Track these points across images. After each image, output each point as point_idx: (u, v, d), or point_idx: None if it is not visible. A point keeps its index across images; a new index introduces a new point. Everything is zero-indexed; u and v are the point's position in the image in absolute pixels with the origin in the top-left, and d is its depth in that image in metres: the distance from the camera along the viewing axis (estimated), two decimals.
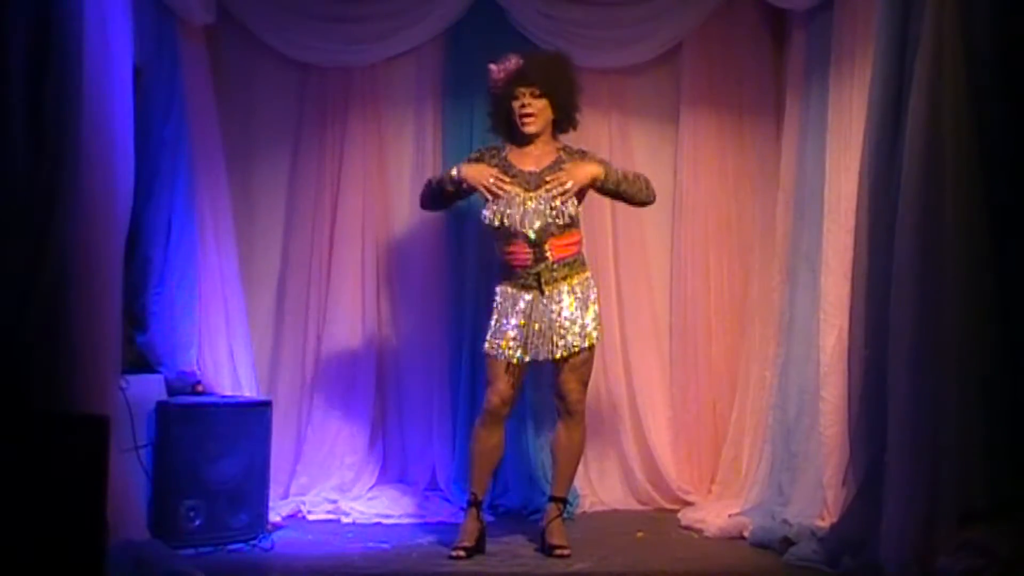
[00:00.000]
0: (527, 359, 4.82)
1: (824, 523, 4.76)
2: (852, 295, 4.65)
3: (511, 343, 4.82)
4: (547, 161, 4.95)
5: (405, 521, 5.54)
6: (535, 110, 4.90)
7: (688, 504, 5.80)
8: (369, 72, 6.04)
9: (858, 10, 4.99)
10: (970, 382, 3.92)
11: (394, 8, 5.94)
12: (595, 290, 4.97)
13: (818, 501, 4.94)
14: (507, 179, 4.85)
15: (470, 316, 5.84)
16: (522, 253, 4.86)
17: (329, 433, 5.87)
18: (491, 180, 4.82)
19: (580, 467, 5.27)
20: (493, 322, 4.90)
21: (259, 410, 5.19)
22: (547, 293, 4.83)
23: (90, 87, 4.12)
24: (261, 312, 5.94)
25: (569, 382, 4.89)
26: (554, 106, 4.94)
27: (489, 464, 4.93)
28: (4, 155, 3.82)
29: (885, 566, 4.00)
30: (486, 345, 4.88)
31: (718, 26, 6.08)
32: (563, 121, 5.01)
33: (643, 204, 5.07)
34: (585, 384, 4.96)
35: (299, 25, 5.88)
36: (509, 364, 4.82)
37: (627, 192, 4.96)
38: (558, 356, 4.82)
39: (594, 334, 4.89)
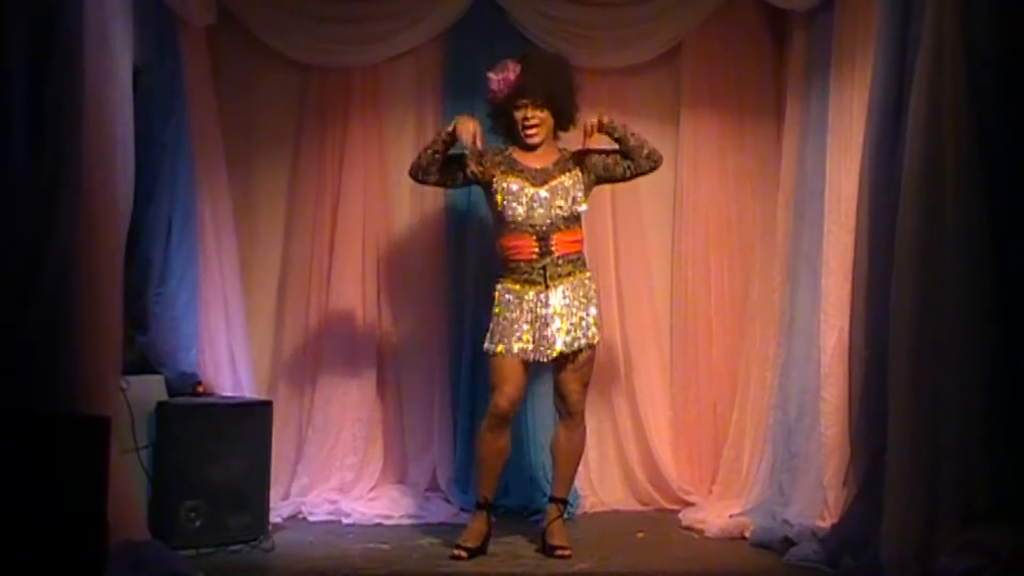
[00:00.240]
0: (537, 358, 4.83)
1: (825, 523, 4.76)
2: (853, 295, 4.65)
3: (523, 342, 4.82)
4: (552, 159, 4.98)
5: (405, 522, 5.55)
6: (538, 120, 4.94)
7: (689, 504, 5.80)
8: (370, 72, 6.04)
9: (858, 11, 5.00)
10: (970, 382, 3.92)
11: (394, 9, 5.95)
12: (596, 290, 4.99)
13: (819, 501, 4.94)
14: (479, 138, 4.83)
15: (470, 316, 5.84)
16: (527, 247, 4.87)
17: (330, 434, 5.87)
18: (467, 130, 4.79)
19: (580, 468, 5.27)
20: (495, 323, 4.90)
21: (259, 411, 5.20)
22: (552, 286, 4.84)
23: (90, 88, 4.12)
24: (262, 312, 5.95)
25: (570, 383, 4.90)
26: (555, 112, 4.97)
27: (497, 467, 4.93)
28: (4, 155, 3.82)
29: (886, 566, 3.99)
30: (492, 347, 4.86)
31: (718, 26, 6.08)
32: (563, 121, 5.03)
33: (651, 165, 4.99)
34: (586, 385, 4.96)
35: (299, 26, 5.88)
36: (516, 365, 4.82)
37: (635, 143, 4.93)
38: (561, 351, 4.83)
39: (596, 333, 4.90)
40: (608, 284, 5.92)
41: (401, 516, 5.59)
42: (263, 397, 5.58)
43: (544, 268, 4.86)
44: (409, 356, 6.01)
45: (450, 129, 4.87)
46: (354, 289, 5.96)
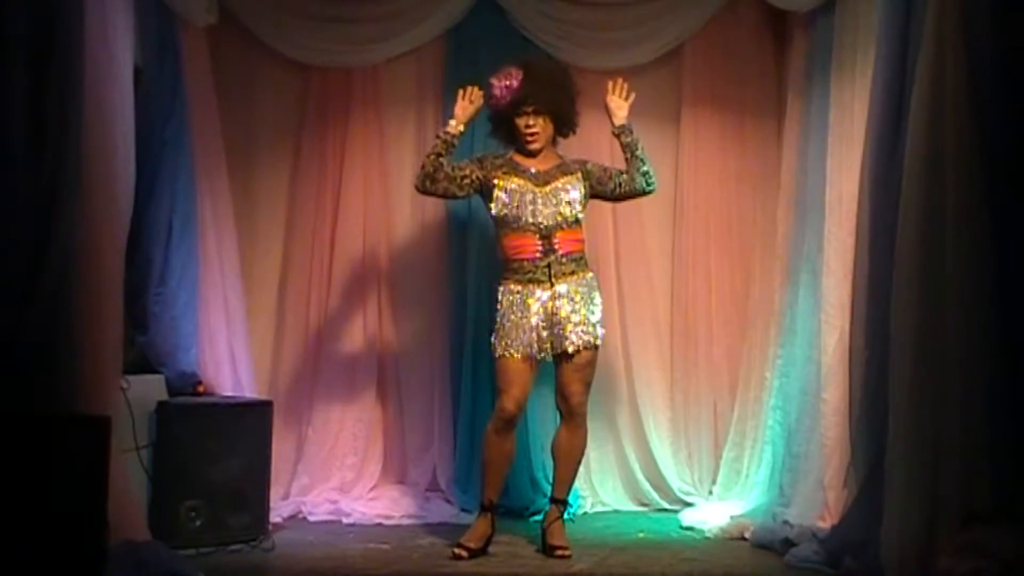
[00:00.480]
0: (541, 356, 4.84)
1: (825, 524, 4.76)
2: (853, 296, 4.65)
3: (529, 343, 4.82)
4: (553, 163, 5.02)
5: (406, 522, 5.55)
6: (539, 128, 4.97)
7: (689, 505, 5.80)
8: (370, 73, 6.04)
9: (859, 11, 5.00)
10: (971, 383, 3.92)
11: (395, 9, 5.95)
12: (599, 290, 5.00)
13: (819, 502, 4.94)
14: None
15: (471, 316, 5.84)
16: (531, 246, 4.88)
17: (330, 434, 5.87)
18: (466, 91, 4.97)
19: (581, 468, 5.26)
20: (499, 324, 4.90)
21: (260, 410, 5.20)
22: (556, 285, 4.84)
23: (91, 87, 4.12)
24: (262, 312, 5.95)
25: (572, 383, 4.90)
26: (556, 119, 5.00)
27: (502, 470, 4.94)
28: (4, 155, 3.81)
29: (886, 567, 4.00)
30: (498, 349, 4.87)
31: (720, 27, 6.08)
32: (563, 128, 5.07)
33: (644, 183, 5.05)
34: (588, 386, 4.97)
35: (300, 26, 5.88)
36: (522, 367, 4.83)
37: (641, 156, 5.02)
38: (566, 349, 4.84)
39: (599, 333, 4.90)
40: (608, 284, 5.92)
41: (401, 516, 5.59)
42: (263, 397, 5.58)
43: (549, 266, 4.87)
44: (410, 355, 6.01)
45: (450, 126, 4.92)
46: (355, 289, 5.96)
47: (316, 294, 5.96)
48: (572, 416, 4.94)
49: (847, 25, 5.12)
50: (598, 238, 5.92)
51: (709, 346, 6.08)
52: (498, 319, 4.92)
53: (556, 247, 4.89)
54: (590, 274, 4.99)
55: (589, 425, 5.08)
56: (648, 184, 5.06)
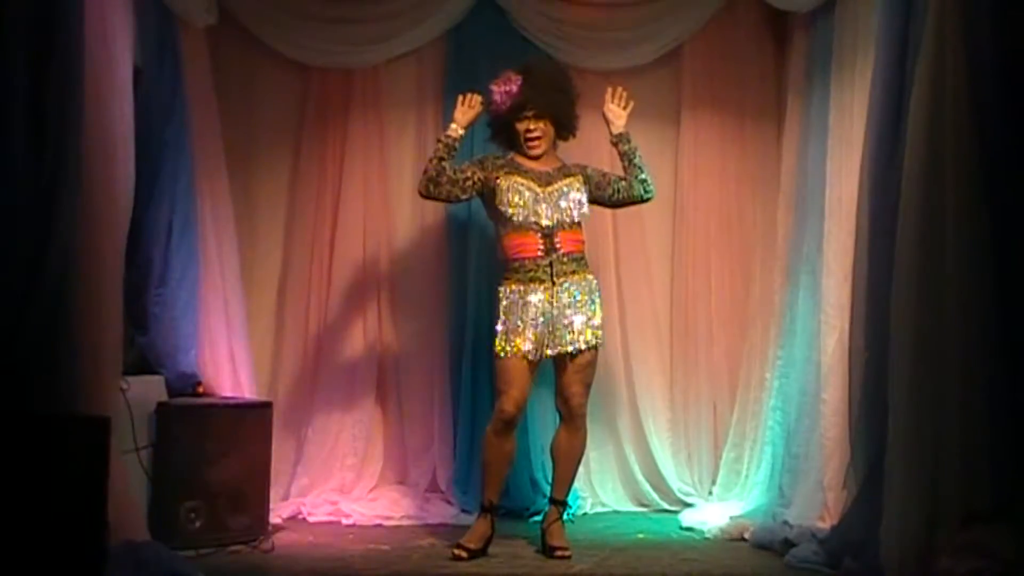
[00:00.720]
0: (542, 356, 4.84)
1: (825, 524, 4.77)
2: (853, 297, 4.65)
3: (527, 341, 4.82)
4: (554, 165, 5.04)
5: (405, 523, 5.55)
6: (540, 132, 5.00)
7: (688, 506, 5.80)
8: (370, 73, 6.05)
9: (859, 12, 5.00)
10: (971, 383, 3.92)
11: (395, 9, 5.95)
12: (600, 292, 5.01)
13: (819, 503, 4.94)
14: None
15: (471, 317, 5.84)
16: (533, 245, 4.89)
17: (330, 434, 5.87)
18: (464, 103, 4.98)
19: (581, 469, 5.26)
20: (500, 325, 4.89)
21: (259, 411, 5.20)
22: (557, 284, 4.85)
23: (90, 88, 4.12)
24: (262, 313, 5.95)
25: (573, 384, 4.90)
26: (556, 123, 5.02)
27: (503, 471, 4.94)
28: (4, 155, 3.81)
29: (886, 567, 3.99)
30: (499, 349, 4.86)
31: (719, 28, 6.08)
32: (563, 132, 5.09)
33: (642, 191, 5.07)
34: (588, 387, 4.97)
35: (300, 26, 5.89)
36: (522, 367, 4.83)
37: (639, 164, 5.04)
38: (569, 350, 4.85)
39: (600, 335, 4.92)
40: (608, 285, 5.92)
41: (401, 517, 5.59)
42: (263, 398, 5.57)
43: (551, 265, 4.88)
44: (409, 356, 6.01)
45: (450, 129, 4.92)
46: (355, 289, 5.97)
47: (316, 295, 5.96)
48: (572, 417, 4.94)
49: (847, 26, 5.12)
50: (598, 239, 5.92)
51: (709, 347, 6.08)
52: (498, 320, 4.92)
53: (558, 246, 4.90)
54: (591, 275, 5.00)
55: (589, 426, 5.08)
56: (646, 192, 5.07)
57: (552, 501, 5.02)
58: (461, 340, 5.92)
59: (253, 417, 5.13)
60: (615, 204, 5.15)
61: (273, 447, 5.26)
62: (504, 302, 4.91)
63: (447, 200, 5.05)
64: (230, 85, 5.88)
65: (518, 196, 4.90)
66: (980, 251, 3.96)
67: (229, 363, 5.48)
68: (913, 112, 4.12)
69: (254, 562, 4.77)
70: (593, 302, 4.93)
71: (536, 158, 5.01)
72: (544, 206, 4.90)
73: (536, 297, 4.87)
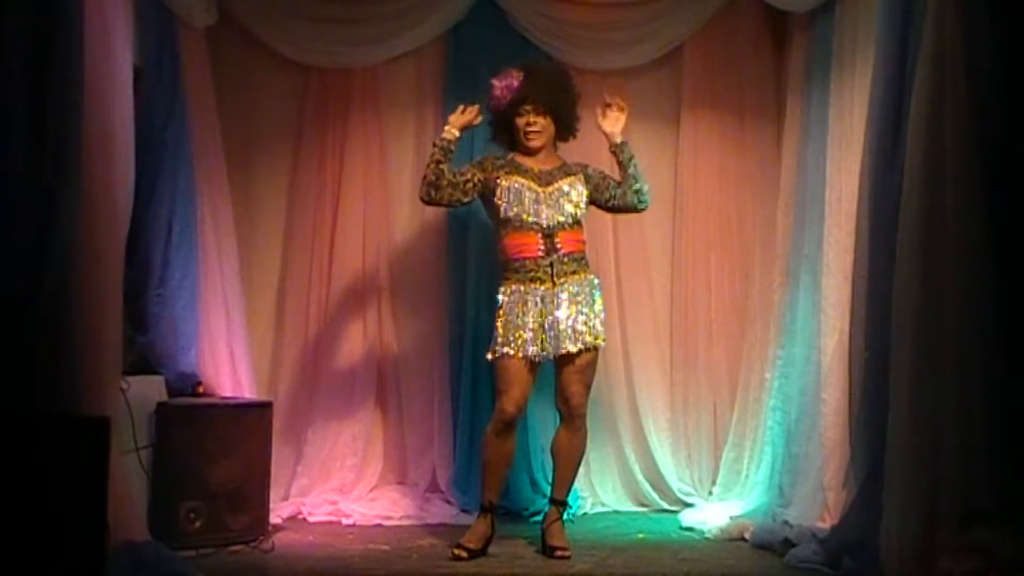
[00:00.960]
0: (542, 357, 4.84)
1: (825, 524, 4.76)
2: (853, 297, 4.65)
3: (527, 342, 4.83)
4: (554, 164, 5.04)
5: (405, 523, 5.55)
6: (540, 127, 4.98)
7: (688, 506, 5.80)
8: (370, 73, 6.05)
9: (859, 12, 5.00)
10: (971, 383, 3.92)
11: (394, 9, 5.95)
12: (601, 292, 5.00)
13: (819, 503, 4.94)
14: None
15: (471, 317, 5.84)
16: (533, 245, 4.89)
17: (330, 435, 5.87)
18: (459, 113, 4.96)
19: (581, 469, 5.26)
20: (500, 325, 4.89)
21: (259, 411, 5.20)
22: (558, 284, 4.85)
23: (90, 88, 4.11)
24: (262, 313, 5.95)
25: (573, 384, 4.90)
26: (557, 121, 5.01)
27: (503, 471, 4.94)
28: (4, 155, 3.81)
29: (885, 568, 3.99)
30: (499, 350, 4.86)
31: (719, 28, 6.08)
32: (564, 131, 5.08)
33: (636, 200, 5.07)
34: (588, 387, 4.97)
35: (300, 27, 5.89)
36: (523, 368, 4.83)
37: (634, 173, 5.02)
38: (570, 351, 4.84)
39: (601, 335, 4.91)
40: (608, 285, 5.92)
41: (401, 517, 5.59)
42: (263, 398, 5.57)
43: (551, 265, 4.88)
44: (409, 356, 6.01)
45: (444, 131, 4.91)
46: (354, 289, 5.97)
47: (316, 295, 5.96)
48: (572, 417, 4.94)
49: (847, 26, 5.12)
50: (598, 239, 5.92)
51: (709, 347, 6.08)
52: (499, 320, 4.92)
53: (558, 246, 4.90)
54: (592, 275, 5.00)
55: (589, 426, 5.08)
56: (640, 202, 5.07)
57: (552, 501, 5.02)
58: (461, 340, 5.92)
59: (253, 417, 5.13)
60: (611, 209, 5.15)
61: (273, 447, 5.26)
62: (503, 302, 4.91)
63: (449, 205, 5.03)
64: (230, 85, 5.88)
65: (518, 196, 4.90)
66: (980, 251, 3.96)
67: (229, 363, 5.48)
68: (913, 112, 4.12)
69: (254, 562, 4.77)
70: (593, 302, 4.94)
71: (535, 151, 5.00)
72: (544, 206, 4.90)
73: (536, 298, 4.87)
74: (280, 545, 5.01)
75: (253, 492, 5.04)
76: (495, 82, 5.01)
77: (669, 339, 6.16)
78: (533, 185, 4.93)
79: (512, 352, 4.84)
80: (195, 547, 4.77)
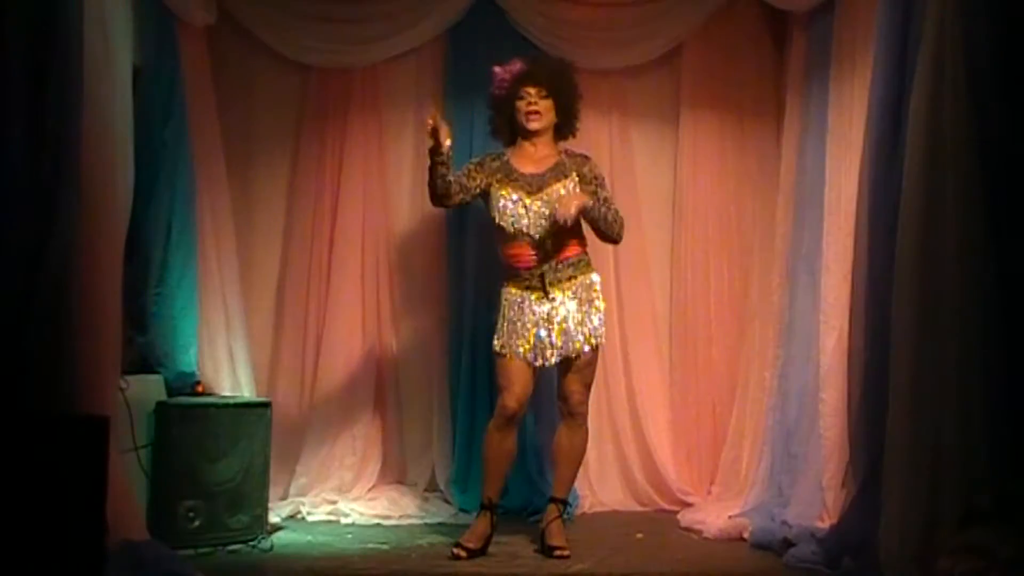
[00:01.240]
0: (542, 362, 4.84)
1: (824, 524, 4.76)
2: (852, 297, 4.65)
3: (529, 345, 4.83)
4: (549, 163, 4.98)
5: (404, 522, 5.55)
6: (541, 109, 4.94)
7: (688, 505, 5.80)
8: (369, 73, 6.04)
9: (859, 11, 4.99)
10: (970, 383, 3.92)
11: (394, 9, 5.95)
12: (600, 292, 4.99)
13: (818, 502, 4.94)
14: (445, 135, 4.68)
15: (470, 317, 5.84)
16: (526, 254, 4.89)
17: (329, 434, 5.87)
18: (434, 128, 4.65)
19: (580, 469, 5.26)
20: (500, 325, 4.90)
21: (259, 411, 5.19)
22: (551, 294, 4.85)
23: (90, 88, 4.11)
24: (261, 312, 5.95)
25: (572, 384, 4.90)
26: (558, 109, 4.99)
27: (503, 468, 4.94)
28: (4, 155, 3.81)
29: (885, 568, 3.99)
30: (498, 347, 4.88)
31: (719, 28, 6.09)
32: (564, 126, 5.05)
33: (609, 241, 5.06)
34: (588, 386, 4.97)
35: (299, 26, 5.89)
36: (524, 365, 4.84)
37: (601, 228, 4.93)
38: (570, 355, 4.85)
39: (600, 335, 4.91)
40: (608, 285, 5.90)
41: (400, 516, 5.59)
42: (262, 397, 5.57)
43: (543, 275, 4.87)
44: (408, 355, 6.01)
45: (439, 146, 4.73)
46: (353, 289, 5.96)
47: (315, 294, 5.96)
48: (572, 416, 4.95)
49: (846, 25, 5.12)
50: (597, 239, 5.90)
51: (708, 346, 6.09)
52: (499, 320, 4.92)
53: (552, 255, 4.89)
54: (591, 276, 4.98)
55: (589, 425, 5.08)
56: (614, 241, 5.04)
57: (552, 500, 5.02)
58: (460, 339, 5.92)
59: (252, 416, 5.12)
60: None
61: (272, 446, 5.25)
62: (505, 303, 4.93)
63: (459, 206, 5.06)
64: (229, 84, 5.88)
65: (507, 209, 4.88)
66: (980, 251, 3.96)
67: (228, 362, 5.49)
68: (913, 111, 4.12)
69: (253, 562, 4.77)
70: (591, 303, 4.93)
71: (535, 133, 4.96)
72: (533, 217, 4.87)
73: (532, 304, 4.88)
74: (279, 545, 5.01)
75: (252, 491, 5.04)
76: (497, 68, 5.01)
77: (668, 339, 6.16)
78: (522, 194, 4.90)
79: (511, 353, 4.84)
80: (194, 546, 4.77)
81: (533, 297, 4.88)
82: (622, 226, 4.99)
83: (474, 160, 5.10)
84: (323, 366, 5.91)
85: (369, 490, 5.85)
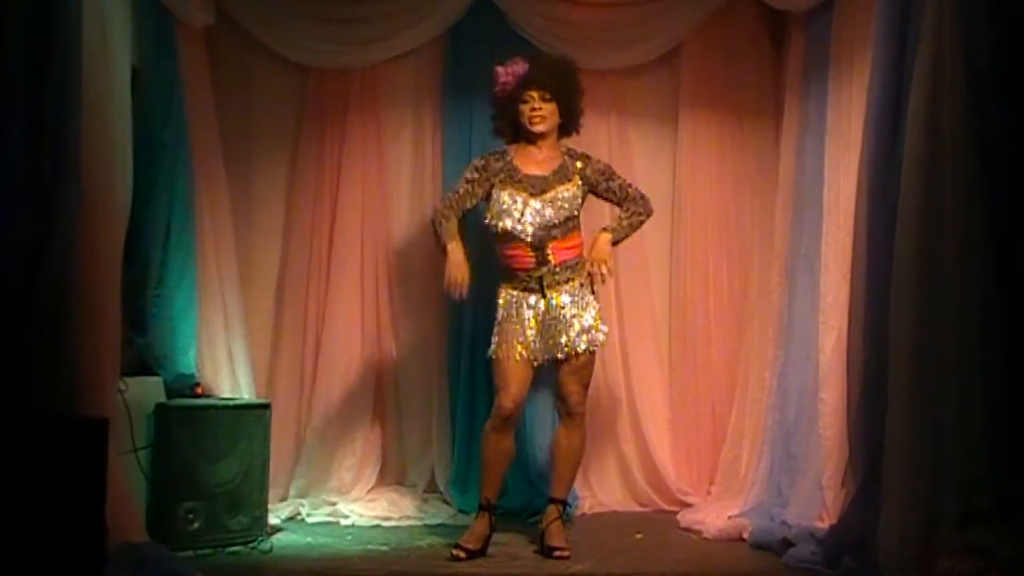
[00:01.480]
0: (540, 362, 4.85)
1: (823, 524, 4.76)
2: (851, 296, 4.64)
3: (526, 346, 4.83)
4: (553, 165, 4.98)
5: (404, 523, 5.54)
6: (545, 112, 4.94)
7: (687, 506, 5.80)
8: (368, 74, 6.04)
9: (857, 11, 5.00)
10: (969, 383, 3.92)
11: (393, 10, 5.95)
12: (597, 292, 4.99)
13: (817, 502, 4.94)
14: (465, 291, 4.84)
15: (469, 318, 5.84)
16: (524, 256, 4.88)
17: (328, 435, 5.87)
18: (454, 283, 4.82)
19: (579, 469, 5.26)
20: (499, 325, 4.90)
21: (258, 412, 5.19)
22: (549, 296, 4.85)
23: (90, 88, 4.11)
24: (260, 314, 5.94)
25: (570, 384, 4.90)
26: (561, 110, 4.99)
27: (501, 469, 4.94)
28: (4, 155, 3.81)
29: (884, 567, 3.99)
30: (495, 349, 4.88)
31: (717, 28, 6.09)
32: (567, 125, 5.05)
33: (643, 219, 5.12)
34: (586, 386, 4.97)
35: (298, 26, 5.88)
36: (521, 366, 4.84)
37: (636, 231, 5.08)
38: (563, 356, 4.85)
39: (598, 336, 4.90)
40: (607, 285, 5.88)
41: (400, 517, 5.59)
42: (261, 399, 5.57)
43: (541, 278, 4.87)
44: (408, 357, 6.01)
45: (445, 244, 4.89)
46: (353, 290, 5.96)
47: (314, 295, 5.96)
48: (571, 417, 4.94)
49: (845, 25, 5.13)
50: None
51: (707, 346, 6.09)
52: (497, 320, 4.92)
53: (550, 258, 4.89)
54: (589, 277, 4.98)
55: (588, 426, 5.08)
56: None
57: (551, 501, 5.02)
58: (459, 340, 5.92)
59: (251, 418, 5.12)
60: (608, 201, 5.15)
61: (271, 448, 5.25)
62: (502, 303, 4.93)
63: (473, 208, 5.08)
64: (228, 84, 5.88)
65: (507, 211, 4.88)
66: (979, 251, 3.96)
67: (227, 364, 5.49)
68: (912, 111, 4.12)
69: (252, 563, 4.77)
70: (589, 304, 4.92)
71: (539, 136, 4.95)
72: (534, 219, 4.87)
73: (530, 305, 4.88)
74: (278, 546, 5.01)
75: (251, 493, 5.04)
76: (500, 68, 5.00)
77: (668, 339, 6.16)
78: (525, 196, 4.90)
79: (508, 355, 4.84)
80: (193, 548, 4.77)
81: (532, 299, 4.88)
82: (647, 202, 5.06)
83: (476, 164, 5.06)
84: (322, 367, 5.91)
85: (368, 491, 5.85)
